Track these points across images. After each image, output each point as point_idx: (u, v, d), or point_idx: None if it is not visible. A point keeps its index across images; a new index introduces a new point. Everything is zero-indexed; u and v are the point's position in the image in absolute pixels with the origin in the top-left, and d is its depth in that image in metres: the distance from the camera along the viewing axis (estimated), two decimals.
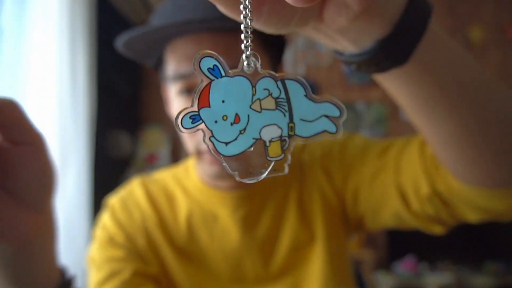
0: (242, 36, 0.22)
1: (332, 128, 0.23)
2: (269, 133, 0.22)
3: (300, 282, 0.62)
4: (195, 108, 0.22)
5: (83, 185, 1.62)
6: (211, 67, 0.22)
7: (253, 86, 0.22)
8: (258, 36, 0.50)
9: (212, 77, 0.22)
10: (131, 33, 0.54)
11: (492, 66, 2.65)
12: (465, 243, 2.61)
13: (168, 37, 0.54)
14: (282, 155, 0.23)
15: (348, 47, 0.32)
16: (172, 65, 0.55)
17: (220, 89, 0.22)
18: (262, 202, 0.62)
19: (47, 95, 1.45)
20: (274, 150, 0.23)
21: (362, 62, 0.32)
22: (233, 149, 0.22)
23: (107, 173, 2.15)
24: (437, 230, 0.54)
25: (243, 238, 0.61)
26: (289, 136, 0.23)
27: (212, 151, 0.23)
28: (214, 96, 0.22)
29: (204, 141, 0.22)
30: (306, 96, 0.22)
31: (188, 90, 0.54)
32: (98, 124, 1.90)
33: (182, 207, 0.63)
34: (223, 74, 0.22)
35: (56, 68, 1.50)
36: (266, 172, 0.23)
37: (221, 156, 0.22)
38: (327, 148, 0.66)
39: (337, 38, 0.31)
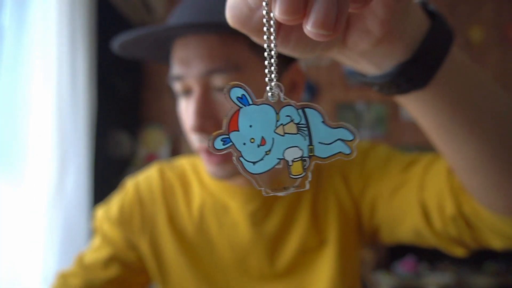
0: (266, 70, 0.26)
1: (347, 150, 0.26)
2: (292, 154, 0.26)
3: (305, 285, 0.62)
4: (226, 131, 0.26)
5: (83, 185, 1.62)
6: (240, 96, 0.26)
7: (277, 113, 0.26)
8: (248, 40, 0.50)
9: (241, 105, 0.26)
10: (123, 38, 0.55)
11: (492, 66, 2.65)
12: None
13: (161, 39, 0.56)
14: (304, 173, 0.26)
15: (371, 70, 0.33)
16: (171, 67, 0.57)
17: (248, 115, 0.26)
18: (274, 200, 0.63)
19: (47, 95, 1.45)
20: (296, 169, 0.26)
21: (383, 84, 0.34)
22: (260, 168, 0.26)
23: (107, 173, 2.15)
24: (458, 252, 0.53)
25: (251, 232, 0.61)
26: (309, 157, 0.26)
27: (241, 170, 0.26)
28: (243, 122, 0.26)
29: (233, 161, 0.26)
30: (323, 122, 0.26)
31: (185, 92, 0.55)
32: (98, 124, 1.90)
33: (196, 195, 0.65)
34: (250, 102, 0.26)
35: (56, 68, 1.50)
36: (290, 188, 0.26)
37: (250, 174, 0.26)
38: None
39: (360, 61, 0.33)
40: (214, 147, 0.26)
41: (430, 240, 0.54)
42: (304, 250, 0.62)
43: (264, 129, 0.26)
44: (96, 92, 1.83)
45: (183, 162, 0.71)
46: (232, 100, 0.26)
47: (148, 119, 2.85)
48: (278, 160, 0.26)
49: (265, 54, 0.25)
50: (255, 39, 0.30)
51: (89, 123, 1.72)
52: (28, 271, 1.37)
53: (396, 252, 2.57)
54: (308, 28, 0.22)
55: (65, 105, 1.55)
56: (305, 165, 0.26)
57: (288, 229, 0.63)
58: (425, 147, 1.87)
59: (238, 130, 0.26)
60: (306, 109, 0.26)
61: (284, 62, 0.57)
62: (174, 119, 2.85)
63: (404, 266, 2.45)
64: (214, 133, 0.26)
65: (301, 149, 0.26)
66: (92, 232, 1.93)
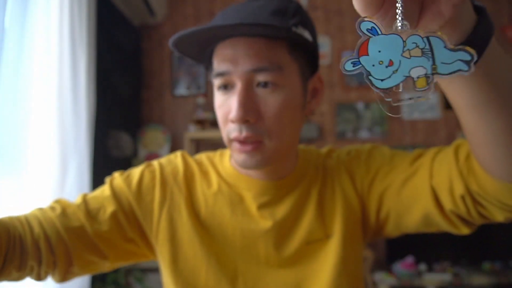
0: (398, 5, 0.30)
1: (465, 67, 0.29)
2: (417, 72, 0.30)
3: (309, 275, 0.66)
4: (356, 56, 0.30)
5: (83, 185, 1.63)
6: (369, 28, 0.30)
7: (404, 41, 0.30)
8: (288, 46, 0.61)
9: (370, 35, 0.30)
10: (179, 34, 0.60)
11: None
12: (463, 243, 2.61)
13: (207, 40, 0.62)
14: (428, 86, 0.30)
15: None
16: (214, 65, 0.62)
17: (377, 43, 0.30)
18: (285, 193, 0.68)
19: (48, 95, 1.45)
20: (421, 83, 0.30)
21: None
22: (388, 83, 0.31)
23: (108, 173, 2.14)
24: (465, 231, 0.59)
25: (261, 222, 0.66)
26: (432, 74, 0.30)
27: (371, 86, 0.31)
28: (372, 48, 0.30)
29: (365, 79, 0.31)
30: (445, 46, 0.30)
31: (224, 86, 0.61)
32: (98, 124, 1.90)
33: (214, 183, 0.70)
34: (379, 33, 0.30)
35: (57, 69, 1.50)
36: (413, 97, 0.31)
37: (378, 89, 0.31)
38: (354, 154, 0.72)
39: None
40: (344, 68, 0.31)
41: (438, 222, 0.60)
42: (309, 241, 0.66)
43: (392, 53, 0.30)
44: (97, 93, 1.84)
45: (200, 155, 0.76)
46: (362, 31, 0.30)
47: (148, 119, 2.86)
48: (405, 77, 0.30)
49: (398, 4, 0.30)
50: (370, 13, 0.32)
51: (89, 123, 1.72)
52: None
53: (395, 253, 2.58)
54: None
55: (66, 105, 1.56)
56: (429, 80, 0.30)
57: (296, 219, 0.67)
58: (424, 147, 1.88)
59: (368, 55, 0.30)
60: (430, 37, 0.29)
61: (310, 71, 0.66)
62: (174, 119, 2.86)
63: (404, 266, 2.45)
64: (345, 58, 0.30)
65: (425, 68, 0.30)
66: None
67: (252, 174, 0.68)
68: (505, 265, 2.53)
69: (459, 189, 0.54)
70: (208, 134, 2.60)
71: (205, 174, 0.72)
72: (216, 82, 0.62)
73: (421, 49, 0.30)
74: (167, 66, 2.90)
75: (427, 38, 0.30)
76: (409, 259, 2.47)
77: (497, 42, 0.40)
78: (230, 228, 0.66)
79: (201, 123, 2.64)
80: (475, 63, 0.38)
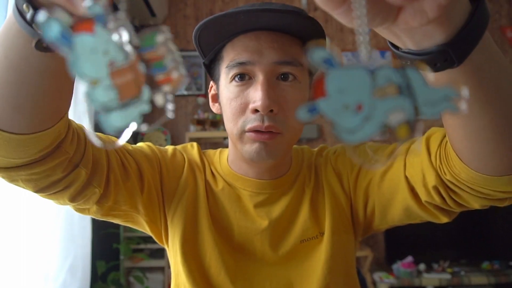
0: (357, 30, 0.24)
1: (453, 108, 0.24)
2: (395, 118, 0.24)
3: (303, 272, 0.67)
4: (311, 99, 0.24)
5: None
6: (325, 58, 0.23)
7: (373, 75, 0.24)
8: (303, 44, 0.62)
9: (327, 68, 0.23)
10: (209, 19, 0.60)
11: None
12: (463, 243, 2.62)
13: (230, 30, 0.61)
14: (411, 136, 0.24)
15: (409, 45, 0.35)
16: (230, 56, 0.62)
17: (336, 79, 0.23)
18: (281, 192, 0.69)
19: None
20: (403, 132, 0.24)
21: (419, 61, 0.35)
22: (360, 136, 0.24)
23: None
24: (444, 219, 0.59)
25: (257, 220, 0.68)
26: (415, 118, 0.24)
27: (339, 141, 0.24)
28: (332, 86, 0.23)
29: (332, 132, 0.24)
30: (424, 82, 0.24)
31: (240, 76, 0.61)
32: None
33: (219, 180, 0.72)
34: (336, 64, 0.23)
35: None
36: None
37: (348, 146, 0.25)
38: (339, 151, 0.73)
39: (401, 36, 0.34)
40: (300, 117, 0.24)
41: (418, 213, 0.60)
42: (304, 239, 0.68)
43: (359, 93, 0.23)
44: None
45: (209, 152, 0.78)
46: (316, 63, 0.23)
47: (148, 119, 2.86)
48: (381, 126, 0.24)
49: (356, 12, 0.24)
50: (330, 10, 0.29)
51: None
52: (28, 270, 1.38)
53: (394, 253, 2.58)
54: None
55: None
56: (412, 127, 0.24)
57: (291, 219, 0.69)
58: None
59: (326, 97, 0.23)
60: (407, 70, 0.24)
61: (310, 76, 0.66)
62: (174, 119, 2.87)
63: (403, 266, 2.46)
64: (301, 105, 0.24)
65: (405, 111, 0.24)
66: (93, 230, 1.92)
67: (248, 174, 0.69)
68: (504, 265, 2.54)
69: (431, 181, 0.54)
70: (208, 134, 2.61)
71: (213, 170, 0.74)
72: (232, 72, 0.61)
73: (397, 85, 0.24)
74: None
75: (403, 71, 0.24)
76: (409, 259, 2.48)
77: (487, 34, 0.36)
78: (235, 225, 0.68)
79: (201, 123, 2.65)
80: (461, 60, 0.34)
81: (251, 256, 0.67)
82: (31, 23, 0.35)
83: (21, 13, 0.35)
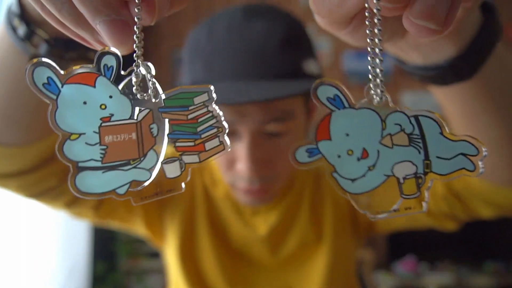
0: (370, 68, 0.22)
1: (470, 166, 0.21)
2: (403, 170, 0.22)
3: (304, 277, 0.66)
4: (313, 141, 0.22)
5: None
6: (331, 97, 0.21)
7: (383, 121, 0.21)
8: (292, 70, 0.52)
9: (333, 108, 0.21)
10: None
11: None
12: (465, 243, 2.61)
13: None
14: (418, 193, 0.22)
15: (417, 60, 0.33)
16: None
17: (344, 121, 0.21)
18: (279, 199, 0.67)
19: None
20: (410, 187, 0.22)
21: (428, 75, 0.33)
22: (361, 187, 0.22)
23: None
24: (450, 226, 0.57)
25: (256, 227, 0.66)
26: (425, 174, 0.22)
27: (336, 188, 0.22)
28: (337, 129, 0.21)
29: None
30: (441, 133, 0.21)
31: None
32: None
33: (218, 185, 0.68)
34: (346, 105, 0.21)
35: None
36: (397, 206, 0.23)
37: (347, 194, 0.22)
38: None
39: (409, 51, 0.32)
40: (296, 160, 0.22)
41: (423, 220, 0.58)
42: (304, 244, 0.66)
43: (366, 138, 0.21)
44: None
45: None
46: (321, 102, 0.21)
47: None
48: (386, 177, 0.22)
49: (368, 49, 0.22)
50: (335, 32, 0.28)
51: None
52: (27, 270, 1.38)
53: (396, 252, 2.57)
54: (412, 18, 0.20)
55: None
56: (420, 183, 0.22)
57: (290, 225, 0.67)
58: None
59: (330, 139, 0.21)
60: (420, 117, 0.21)
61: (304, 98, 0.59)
62: None
63: (404, 266, 2.45)
64: (296, 144, 0.22)
65: (414, 165, 0.22)
66: (92, 231, 1.92)
67: None
68: (507, 265, 2.53)
69: (440, 190, 0.52)
70: None
71: (210, 174, 0.72)
72: None
73: (408, 134, 0.21)
74: (166, 66, 2.89)
75: (416, 118, 0.21)
76: (410, 259, 2.47)
77: (500, 46, 0.35)
78: (227, 228, 0.67)
79: None
80: (472, 74, 0.32)
81: (250, 261, 0.66)
82: (23, 38, 0.33)
83: (13, 27, 0.34)
